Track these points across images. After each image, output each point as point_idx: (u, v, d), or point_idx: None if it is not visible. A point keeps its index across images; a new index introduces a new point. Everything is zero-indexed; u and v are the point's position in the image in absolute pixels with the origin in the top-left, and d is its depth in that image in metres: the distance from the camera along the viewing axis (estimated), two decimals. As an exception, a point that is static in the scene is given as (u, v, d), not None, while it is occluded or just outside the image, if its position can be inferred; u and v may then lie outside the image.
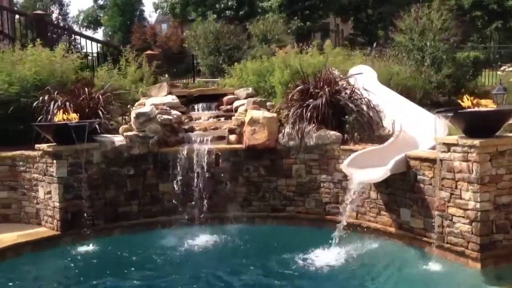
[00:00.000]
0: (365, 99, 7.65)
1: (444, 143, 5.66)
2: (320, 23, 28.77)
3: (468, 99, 5.49)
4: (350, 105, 7.23)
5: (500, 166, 5.35)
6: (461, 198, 5.52)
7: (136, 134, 7.43)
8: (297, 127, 7.38)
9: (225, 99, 9.86)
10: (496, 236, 5.42)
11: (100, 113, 7.78)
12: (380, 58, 13.28)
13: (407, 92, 11.58)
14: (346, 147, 7.15)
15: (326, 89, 7.38)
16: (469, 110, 5.41)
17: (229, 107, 9.50)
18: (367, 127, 7.29)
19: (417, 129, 7.25)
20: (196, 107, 9.85)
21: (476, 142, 5.25)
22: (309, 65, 8.37)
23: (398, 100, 8.64)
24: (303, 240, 6.97)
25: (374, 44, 19.72)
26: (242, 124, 7.78)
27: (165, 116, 7.75)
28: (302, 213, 7.56)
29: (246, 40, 17.71)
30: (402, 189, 6.35)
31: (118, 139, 7.34)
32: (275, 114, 7.71)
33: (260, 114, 7.65)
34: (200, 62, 17.35)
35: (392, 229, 6.55)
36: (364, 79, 9.76)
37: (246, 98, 9.32)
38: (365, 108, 7.58)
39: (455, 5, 17.24)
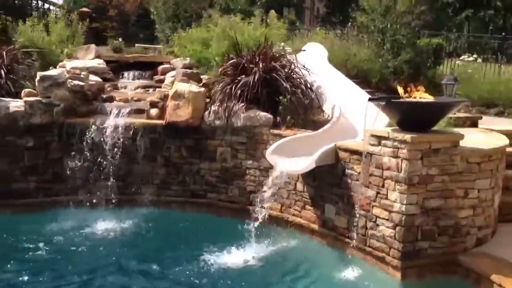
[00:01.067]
0: (304, 79, 7.00)
1: (374, 136, 5.09)
2: (293, -3, 27.87)
3: (402, 88, 4.91)
4: (285, 84, 6.57)
5: (432, 166, 4.81)
6: (387, 199, 4.98)
7: (39, 100, 6.58)
8: (225, 105, 6.69)
9: (160, 68, 9.09)
10: (421, 244, 4.91)
11: (2, 72, 6.88)
12: (342, 38, 12.74)
13: (363, 75, 11.13)
14: (276, 131, 6.51)
15: (260, 65, 6.69)
16: (401, 100, 4.83)
17: (162, 77, 8.71)
18: (302, 111, 6.66)
19: (360, 117, 6.66)
20: (126, 74, 9.02)
21: (407, 137, 4.69)
22: (251, 37, 7.64)
23: (344, 83, 8.03)
24: (219, 231, 6.36)
25: (349, 24, 19.11)
26: (165, 97, 7.04)
27: (76, 82, 6.91)
28: (224, 201, 6.92)
29: (209, 8, 16.84)
30: (329, 183, 5.79)
31: (15, 104, 6.49)
32: (202, 89, 6.98)
33: (186, 87, 6.92)
34: (157, 28, 16.44)
35: (316, 226, 6.00)
36: (312, 58, 9.18)
37: (183, 68, 8.56)
38: (304, 89, 6.93)
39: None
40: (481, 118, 7.26)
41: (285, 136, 6.32)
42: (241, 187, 6.81)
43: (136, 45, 11.83)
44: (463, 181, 5.00)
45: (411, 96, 4.96)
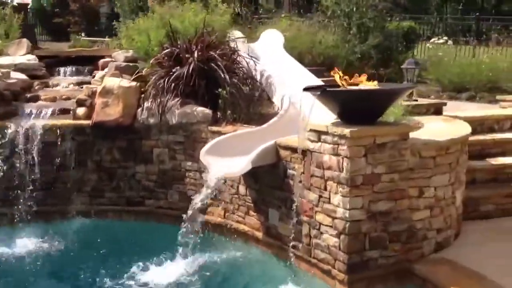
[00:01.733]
0: (249, 69, 6.35)
1: (313, 130, 4.46)
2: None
3: (339, 74, 4.27)
4: (223, 75, 5.90)
5: (378, 163, 4.20)
6: (329, 203, 4.37)
7: None
8: (158, 100, 6.02)
9: (100, 62, 8.35)
10: (370, 253, 4.31)
11: None
12: (310, 24, 12.15)
13: (330, 62, 10.60)
14: (215, 128, 5.86)
15: (195, 54, 6.01)
16: (337, 89, 4.20)
17: (104, 72, 8.00)
18: (244, 104, 6.01)
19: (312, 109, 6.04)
20: (62, 70, 8.29)
21: (347, 131, 4.06)
22: (191, 24, 6.94)
23: (298, 72, 7.42)
24: (156, 242, 5.73)
25: (315, 9, 18.50)
26: (94, 94, 6.34)
27: (-11, 81, 6.19)
28: (163, 208, 6.26)
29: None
30: (271, 186, 5.16)
31: None
32: (134, 84, 6.29)
33: (116, 82, 6.24)
34: (121, 21, 15.69)
35: (260, 234, 5.37)
36: (266, 46, 8.58)
37: (125, 62, 7.86)
38: (248, 80, 6.28)
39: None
40: (445, 104, 6.67)
41: (225, 133, 5.68)
42: (181, 192, 6.16)
43: (82, 38, 11.08)
44: (416, 179, 4.41)
45: (352, 84, 4.33)
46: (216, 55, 6.03)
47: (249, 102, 6.15)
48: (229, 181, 5.70)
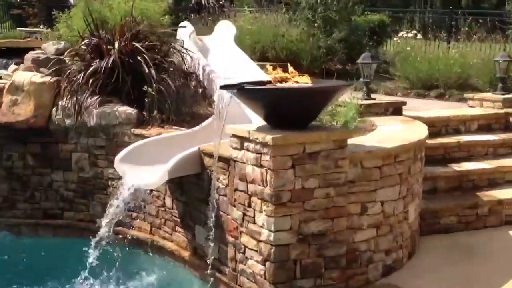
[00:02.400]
0: (186, 63, 5.64)
1: (236, 136, 3.77)
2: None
3: (272, 69, 3.60)
4: (147, 70, 5.17)
5: (309, 176, 3.52)
6: (254, 223, 3.69)
7: None
8: (75, 98, 5.27)
9: (28, 55, 7.55)
10: (302, 283, 3.63)
11: None
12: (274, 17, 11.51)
13: (292, 58, 9.99)
14: (138, 131, 5.14)
15: (116, 45, 5.27)
16: (256, 87, 3.51)
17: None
18: (174, 103, 5.29)
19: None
20: (-15, 64, 7.49)
21: (269, 138, 3.38)
22: (120, 11, 6.19)
23: (247, 67, 6.75)
24: (73, 262, 4.98)
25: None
26: (1, 91, 5.56)
27: None
28: (85, 221, 5.56)
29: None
30: (198, 199, 4.47)
31: None
32: (49, 79, 5.53)
33: (27, 78, 5.48)
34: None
35: (187, 254, 4.68)
36: (217, 39, 7.97)
37: (55, 54, 7.07)
38: (181, 75, 5.58)
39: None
40: (405, 103, 6.03)
41: (148, 137, 4.97)
42: (104, 203, 5.36)
43: (19, 29, 10.22)
44: (357, 193, 3.76)
45: (282, 81, 3.66)
46: (140, 47, 5.28)
47: (182, 101, 5.43)
48: (155, 192, 5.00)
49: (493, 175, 5.43)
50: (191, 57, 6.35)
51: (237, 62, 6.89)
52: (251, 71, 6.46)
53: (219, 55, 7.41)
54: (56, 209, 5.61)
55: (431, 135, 5.38)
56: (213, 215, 4.14)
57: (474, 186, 5.36)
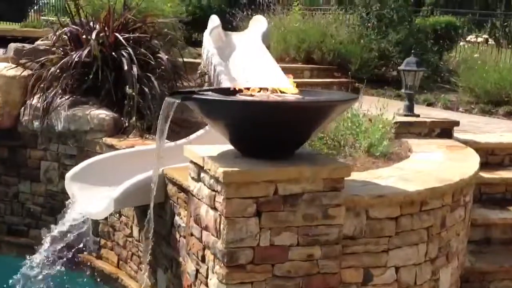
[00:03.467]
0: (165, 60, 4.70)
1: (193, 163, 2.78)
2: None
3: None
4: (126, 67, 4.29)
5: (282, 229, 2.47)
6: (206, 286, 2.68)
7: None
8: (44, 97, 4.48)
9: (11, 45, 6.94)
10: None
11: None
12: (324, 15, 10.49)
13: (340, 61, 8.97)
14: (110, 140, 4.26)
15: (94, 35, 4.42)
16: (209, 97, 2.49)
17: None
18: (158, 108, 4.36)
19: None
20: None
21: (220, 171, 2.36)
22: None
23: (267, 70, 5.78)
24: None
25: None
26: (-30, 84, 4.88)
27: None
28: (51, 243, 4.75)
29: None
30: (160, 235, 3.52)
31: None
32: (20, 73, 4.77)
33: (-3, 70, 4.75)
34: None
35: (152, 300, 3.75)
36: (245, 36, 7.16)
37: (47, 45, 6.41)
38: (172, 75, 4.66)
39: None
40: (457, 123, 4.77)
41: (119, 149, 4.08)
42: (72, 224, 4.62)
43: (42, 18, 9.80)
44: (358, 255, 2.66)
45: (262, 90, 2.63)
46: (122, 39, 4.39)
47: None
48: (124, 217, 4.12)
49: None
50: (206, 54, 5.50)
51: (259, 64, 5.96)
52: (272, 74, 5.49)
53: (242, 54, 6.54)
54: (21, 225, 4.87)
55: (490, 166, 4.39)
56: (173, 262, 3.19)
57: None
